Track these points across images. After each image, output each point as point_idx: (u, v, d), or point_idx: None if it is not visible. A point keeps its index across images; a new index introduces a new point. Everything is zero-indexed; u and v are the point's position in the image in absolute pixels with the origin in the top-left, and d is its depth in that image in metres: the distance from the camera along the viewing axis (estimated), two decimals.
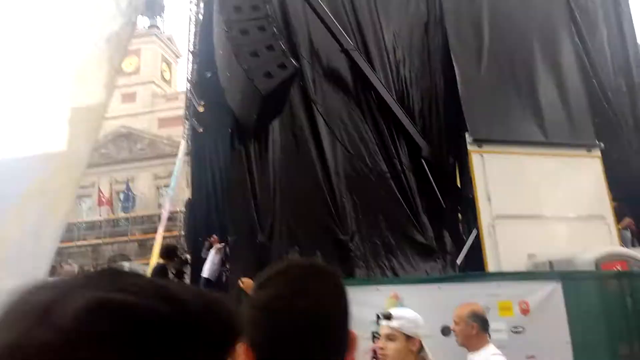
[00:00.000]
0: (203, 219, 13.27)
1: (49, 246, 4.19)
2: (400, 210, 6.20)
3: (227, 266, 8.26)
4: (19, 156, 3.91)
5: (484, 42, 7.53)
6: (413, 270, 5.80)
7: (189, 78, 12.54)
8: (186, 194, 19.33)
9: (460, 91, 6.94)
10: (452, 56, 7.18)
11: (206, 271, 7.13)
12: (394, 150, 6.59)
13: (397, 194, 6.29)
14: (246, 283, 3.46)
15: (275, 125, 6.13)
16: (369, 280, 4.53)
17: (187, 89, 13.25)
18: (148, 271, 13.72)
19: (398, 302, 3.53)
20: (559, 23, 8.07)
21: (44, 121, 4.26)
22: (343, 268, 5.66)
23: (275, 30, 5.08)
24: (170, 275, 6.20)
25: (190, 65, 12.47)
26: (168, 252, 6.34)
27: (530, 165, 6.89)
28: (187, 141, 15.89)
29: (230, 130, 6.51)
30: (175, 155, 27.08)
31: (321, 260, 5.63)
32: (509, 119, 7.22)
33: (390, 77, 7.17)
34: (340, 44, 6.62)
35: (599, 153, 7.29)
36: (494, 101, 7.23)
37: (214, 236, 8.37)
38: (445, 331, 3.26)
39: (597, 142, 7.32)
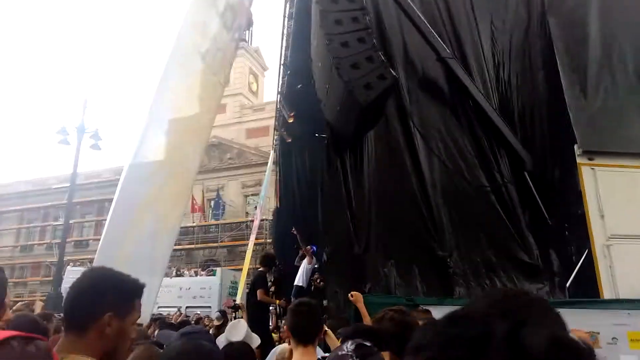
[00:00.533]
0: (290, 228, 13.61)
1: (165, 249, 4.48)
2: (502, 226, 5.86)
3: (316, 275, 8.36)
4: (141, 162, 4.24)
5: (593, 41, 6.95)
6: None
7: (279, 90, 12.95)
8: (273, 202, 19.98)
9: (567, 98, 6.45)
10: (557, 59, 6.71)
11: (299, 279, 7.26)
12: (494, 163, 6.26)
13: (499, 208, 5.95)
14: (356, 296, 3.44)
15: (370, 137, 6.10)
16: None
17: (277, 100, 13.69)
18: (241, 277, 14.24)
19: None
20: None
21: (159, 132, 4.57)
22: (442, 286, 5.46)
23: (374, 41, 5.07)
24: (269, 283, 6.37)
25: (280, 77, 12.88)
26: (267, 260, 6.54)
27: None
28: (275, 151, 16.42)
29: (325, 141, 6.59)
30: (262, 164, 28.17)
31: (420, 281, 5.50)
32: (624, 128, 6.57)
33: (489, 84, 6.86)
34: (437, 52, 6.45)
35: None
36: (607, 109, 6.63)
37: (309, 246, 8.50)
38: None
39: None
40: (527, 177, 6.29)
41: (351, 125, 5.35)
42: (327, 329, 2.61)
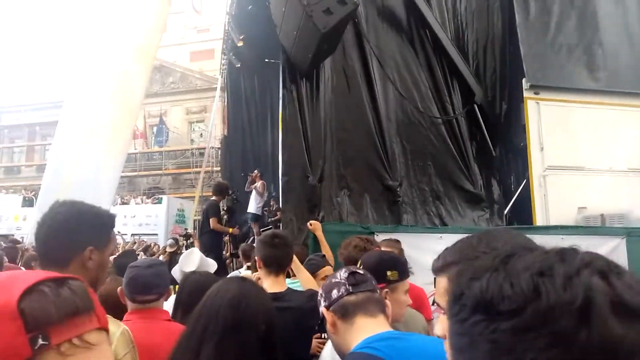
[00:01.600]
0: (239, 154, 13.45)
1: (112, 175, 4.33)
2: (450, 157, 6.11)
3: (272, 203, 8.42)
4: (85, 83, 3.95)
5: None
6: (460, 218, 5.80)
7: (228, 10, 12.17)
8: (219, 130, 19.51)
9: (519, 33, 6.54)
10: None
11: (252, 207, 7.29)
12: (447, 94, 6.38)
13: (448, 140, 6.17)
14: (314, 225, 3.51)
15: (326, 65, 5.96)
16: (434, 228, 4.55)
17: (225, 22, 12.91)
18: (194, 205, 14.12)
19: None
20: None
21: (103, 51, 4.23)
22: (391, 214, 5.71)
23: None
24: (222, 212, 6.36)
25: None
26: (220, 189, 6.47)
27: (587, 114, 6.60)
28: (223, 76, 15.76)
29: (279, 67, 6.38)
30: (208, 89, 27.04)
31: (372, 209, 5.70)
32: (568, 65, 6.84)
33: (445, 16, 6.80)
34: None
35: None
36: (554, 45, 6.82)
37: (256, 172, 8.47)
38: None
39: None
40: (477, 110, 6.49)
41: (309, 51, 5.16)
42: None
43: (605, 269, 0.44)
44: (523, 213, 6.03)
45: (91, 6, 4.04)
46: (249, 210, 7.65)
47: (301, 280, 2.60)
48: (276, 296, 2.12)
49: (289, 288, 2.28)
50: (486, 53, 6.88)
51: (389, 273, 1.85)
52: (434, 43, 6.45)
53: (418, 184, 5.99)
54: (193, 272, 2.47)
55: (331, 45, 5.42)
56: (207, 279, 2.24)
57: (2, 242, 7.40)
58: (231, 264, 7.35)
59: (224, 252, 7.36)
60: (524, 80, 6.43)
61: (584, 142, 6.48)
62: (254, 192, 7.83)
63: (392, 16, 6.48)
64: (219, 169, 20.91)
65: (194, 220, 15.55)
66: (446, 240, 3.53)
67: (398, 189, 5.88)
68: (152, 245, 12.18)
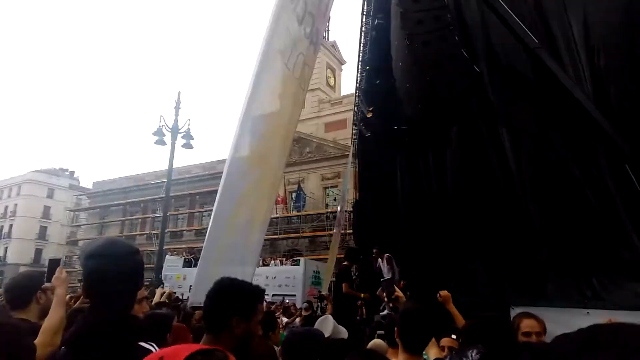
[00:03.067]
0: (371, 220, 13.74)
1: (257, 239, 4.86)
2: (600, 221, 5.55)
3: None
4: (240, 156, 4.62)
5: None
6: (618, 290, 5.14)
7: (358, 85, 13.07)
8: (352, 194, 20.22)
9: None
10: None
11: (386, 274, 7.31)
12: (589, 154, 5.92)
13: (595, 202, 5.64)
14: (444, 296, 3.46)
15: (453, 133, 6.05)
16: (580, 303, 4.14)
17: (355, 95, 13.84)
18: (327, 267, 14.62)
19: None
20: None
21: (253, 129, 4.92)
22: (531, 285, 5.32)
23: (456, 38, 5.02)
24: (353, 277, 6.59)
25: (358, 73, 12.99)
26: (351, 254, 6.77)
27: None
28: (354, 145, 16.61)
29: (404, 136, 6.64)
30: (340, 157, 28.49)
31: (508, 279, 5.38)
32: None
33: (582, 74, 6.45)
34: (525, 44, 6.19)
35: None
36: None
37: (375, 250, 8.47)
38: None
39: None
40: (628, 169, 5.87)
41: (434, 123, 5.35)
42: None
43: None
44: None
45: (249, 85, 4.80)
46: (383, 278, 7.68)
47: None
48: None
49: None
50: (633, 105, 6.29)
51: None
52: (570, 103, 6.13)
53: (563, 252, 5.51)
54: (332, 340, 2.66)
55: (456, 114, 5.54)
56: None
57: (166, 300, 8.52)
58: (366, 330, 7.40)
59: (357, 317, 7.48)
60: None
61: None
62: (383, 268, 7.89)
63: (522, 81, 6.36)
64: (350, 231, 21.43)
65: (330, 282, 15.98)
66: (594, 317, 3.24)
67: (539, 258, 5.48)
68: (291, 305, 12.80)
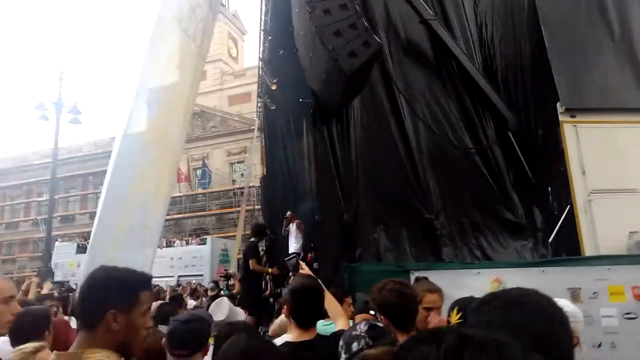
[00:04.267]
0: (278, 194, 13.66)
1: (158, 219, 4.52)
2: (487, 186, 6.00)
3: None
4: (132, 133, 4.22)
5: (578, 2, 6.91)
6: (502, 249, 5.63)
7: (261, 56, 12.70)
8: (259, 170, 19.97)
9: (550, 58, 6.45)
10: (539, 17, 6.67)
11: (292, 247, 7.29)
12: (478, 124, 6.33)
13: (484, 169, 6.07)
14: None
15: (355, 104, 6.09)
16: (471, 264, 4.43)
17: (259, 67, 13.45)
18: (235, 245, 14.37)
19: (501, 285, 3.46)
20: None
21: (147, 104, 4.52)
22: (430, 248, 5.62)
23: (357, 7, 4.98)
24: (261, 252, 6.47)
25: (261, 43, 12.61)
26: (258, 230, 6.63)
27: (629, 135, 6.33)
28: (259, 118, 16.28)
29: (310, 108, 6.56)
30: (246, 131, 27.90)
31: (409, 246, 5.64)
32: (605, 85, 6.63)
33: (472, 45, 6.83)
34: (420, 15, 6.37)
35: None
36: (588, 66, 6.67)
37: (289, 213, 8.49)
38: None
39: None
40: (511, 137, 6.39)
41: (337, 94, 5.31)
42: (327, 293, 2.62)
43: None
44: (569, 240, 5.78)
45: (134, 55, 4.33)
46: (290, 251, 7.64)
47: (329, 308, 2.55)
48: (303, 344, 2.12)
49: (318, 335, 2.27)
50: (517, 79, 6.81)
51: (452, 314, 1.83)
52: (461, 74, 6.46)
53: (456, 216, 5.89)
54: (227, 324, 2.53)
55: (358, 85, 5.55)
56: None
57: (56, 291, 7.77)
58: (275, 304, 7.37)
59: (265, 293, 7.42)
60: (558, 104, 6.30)
61: (631, 162, 6.20)
62: (291, 232, 7.87)
63: (417, 51, 6.58)
64: (259, 207, 21.28)
65: (237, 259, 15.79)
66: (484, 276, 3.45)
67: (436, 222, 5.80)
68: (198, 287, 12.42)
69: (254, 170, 21.79)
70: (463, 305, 1.98)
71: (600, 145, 6.20)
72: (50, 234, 14.90)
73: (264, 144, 16.50)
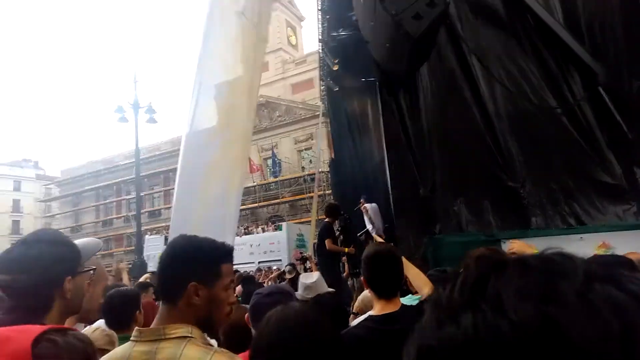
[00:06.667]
0: (348, 175, 13.56)
1: (234, 209, 4.60)
2: (578, 148, 5.46)
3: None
4: (197, 129, 4.30)
5: None
6: (601, 215, 5.11)
7: (320, 38, 12.55)
8: (327, 155, 19.99)
9: None
10: None
11: (372, 231, 7.12)
12: (563, 81, 5.76)
13: (572, 130, 5.53)
14: (518, 246, 2.97)
15: (423, 72, 5.78)
16: (572, 228, 4.04)
17: (320, 49, 13.32)
18: (311, 229, 14.62)
19: (609, 251, 3.11)
20: None
21: (210, 97, 4.58)
22: (517, 218, 5.24)
23: None
24: (336, 233, 6.43)
25: (319, 24, 12.46)
26: (332, 210, 6.58)
27: None
28: (324, 102, 16.20)
29: (375, 84, 6.34)
30: (311, 117, 28.04)
31: (493, 216, 5.29)
32: None
33: None
34: None
35: None
36: None
37: (362, 200, 8.24)
38: None
39: None
40: (602, 92, 5.75)
41: (403, 61, 5.05)
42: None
43: (610, 274, 0.33)
44: None
45: (196, 48, 4.39)
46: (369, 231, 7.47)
47: (411, 277, 2.40)
48: (387, 318, 2.01)
49: (403, 306, 2.14)
50: (604, 27, 6.10)
51: None
52: (539, 29, 5.91)
53: (544, 183, 5.43)
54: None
55: (426, 50, 5.25)
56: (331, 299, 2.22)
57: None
58: (353, 284, 7.33)
59: (342, 273, 7.39)
60: None
61: None
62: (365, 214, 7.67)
63: (487, 7, 6.09)
64: (330, 191, 21.36)
65: (313, 243, 15.95)
66: (588, 242, 3.11)
67: (521, 191, 5.39)
68: (282, 271, 12.71)
69: (322, 155, 21.87)
70: (600, 263, 1.75)
71: None
72: (140, 228, 16.00)
73: (329, 128, 16.45)
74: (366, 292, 3.66)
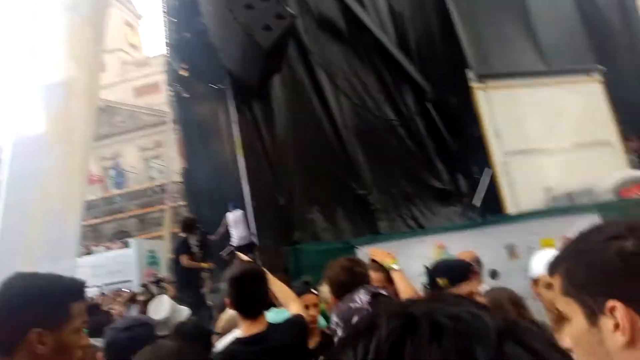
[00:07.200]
0: (203, 185, 13.11)
1: (75, 227, 4.07)
2: (413, 157, 6.15)
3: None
4: (28, 136, 3.73)
5: None
6: (433, 216, 5.82)
7: (168, 42, 11.95)
8: (178, 163, 19.08)
9: (457, 29, 6.68)
10: None
11: (236, 240, 6.87)
12: (398, 96, 6.43)
13: (408, 141, 6.20)
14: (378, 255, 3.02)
15: (275, 82, 5.90)
16: (414, 232, 4.50)
17: (166, 53, 12.68)
18: (164, 245, 13.68)
19: (444, 251, 3.53)
20: None
21: (41, 101, 4.01)
22: (366, 223, 5.66)
23: None
24: (194, 249, 6.14)
25: (166, 28, 11.85)
26: (187, 224, 6.25)
27: (534, 95, 6.77)
28: (173, 108, 15.44)
29: (225, 92, 6.28)
30: (159, 124, 26.48)
31: (344, 218, 5.61)
32: (508, 51, 7.03)
33: (384, 19, 6.87)
34: None
35: (599, 76, 7.18)
36: (492, 33, 7.01)
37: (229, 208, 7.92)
38: (494, 274, 3.28)
39: (597, 65, 7.21)
40: (430, 107, 6.57)
41: (256, 71, 5.08)
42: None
43: (518, 333, 0.39)
44: (492, 202, 6.11)
45: (19, 45, 3.82)
46: (232, 244, 7.14)
47: (276, 292, 2.41)
48: (254, 338, 1.99)
49: (270, 325, 2.13)
50: (429, 50, 6.99)
51: (439, 281, 1.77)
52: (376, 47, 6.50)
53: (387, 189, 5.97)
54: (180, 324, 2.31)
55: (277, 61, 5.36)
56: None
57: None
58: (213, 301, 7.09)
59: (203, 289, 7.09)
60: (469, 72, 6.57)
61: (537, 123, 6.64)
62: (231, 225, 7.38)
63: (332, 25, 6.50)
64: (184, 203, 20.45)
65: (168, 260, 15.04)
66: (428, 243, 3.49)
67: (369, 197, 5.84)
68: (135, 294, 11.64)
69: (173, 164, 20.80)
70: (446, 267, 1.94)
71: (510, 108, 6.58)
72: None
73: (180, 135, 15.73)
74: (230, 311, 3.56)
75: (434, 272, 1.83)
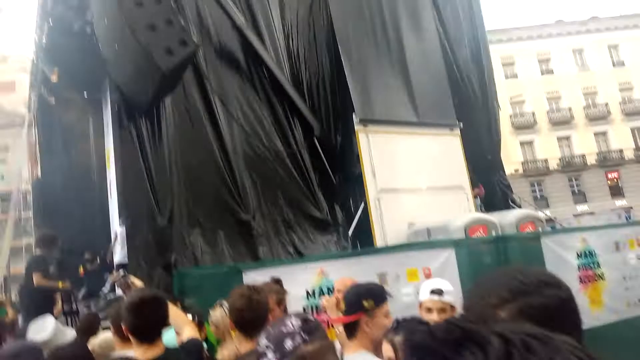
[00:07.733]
0: (59, 197, 11.78)
1: None
2: (297, 187, 6.43)
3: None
4: None
5: (367, 24, 8.00)
6: (312, 244, 6.12)
7: (36, 40, 10.81)
8: (28, 171, 16.92)
9: (346, 74, 7.30)
10: (335, 35, 7.48)
11: (121, 257, 6.21)
12: (288, 129, 6.73)
13: (294, 171, 6.49)
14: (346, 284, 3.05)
15: (167, 102, 5.77)
16: (299, 259, 4.67)
17: (34, 53, 11.44)
18: (1, 260, 11.80)
19: (324, 277, 3.77)
20: (423, 8, 8.93)
21: None
22: (246, 247, 5.71)
23: (172, 3, 4.75)
24: (52, 269, 5.50)
25: (37, 28, 10.72)
26: (47, 241, 5.58)
27: (406, 143, 7.65)
28: (33, 113, 13.80)
29: (117, 107, 5.95)
30: (8, 125, 23.26)
31: (225, 242, 5.60)
32: (388, 101, 7.86)
33: (280, 55, 7.20)
34: (233, 21, 6.44)
35: (458, 131, 8.42)
36: (375, 83, 7.78)
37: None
38: None
39: (457, 121, 8.44)
40: (317, 142, 6.99)
41: (148, 90, 4.94)
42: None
43: None
44: (364, 233, 6.66)
45: None
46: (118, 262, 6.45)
47: (170, 317, 2.38)
48: None
49: (167, 349, 2.12)
50: (319, 90, 7.48)
51: (365, 303, 1.90)
52: (271, 81, 6.77)
53: (270, 215, 6.13)
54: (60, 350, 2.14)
55: (172, 83, 5.29)
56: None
57: None
58: (71, 324, 6.37)
59: (54, 311, 6.33)
60: (354, 115, 7.20)
61: (405, 166, 7.48)
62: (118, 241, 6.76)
63: (230, 56, 6.63)
64: (29, 215, 18.06)
65: (4, 278, 13.03)
66: (311, 270, 3.73)
67: (252, 222, 5.93)
68: None
69: (20, 171, 18.34)
70: (367, 290, 2.11)
71: (386, 151, 7.31)
72: None
73: (37, 141, 14.06)
74: (103, 335, 3.32)
75: (357, 296, 1.99)
